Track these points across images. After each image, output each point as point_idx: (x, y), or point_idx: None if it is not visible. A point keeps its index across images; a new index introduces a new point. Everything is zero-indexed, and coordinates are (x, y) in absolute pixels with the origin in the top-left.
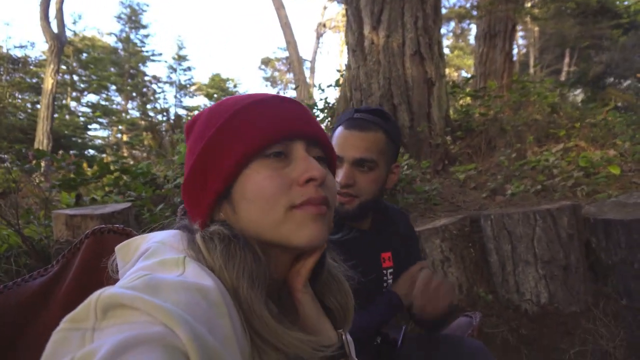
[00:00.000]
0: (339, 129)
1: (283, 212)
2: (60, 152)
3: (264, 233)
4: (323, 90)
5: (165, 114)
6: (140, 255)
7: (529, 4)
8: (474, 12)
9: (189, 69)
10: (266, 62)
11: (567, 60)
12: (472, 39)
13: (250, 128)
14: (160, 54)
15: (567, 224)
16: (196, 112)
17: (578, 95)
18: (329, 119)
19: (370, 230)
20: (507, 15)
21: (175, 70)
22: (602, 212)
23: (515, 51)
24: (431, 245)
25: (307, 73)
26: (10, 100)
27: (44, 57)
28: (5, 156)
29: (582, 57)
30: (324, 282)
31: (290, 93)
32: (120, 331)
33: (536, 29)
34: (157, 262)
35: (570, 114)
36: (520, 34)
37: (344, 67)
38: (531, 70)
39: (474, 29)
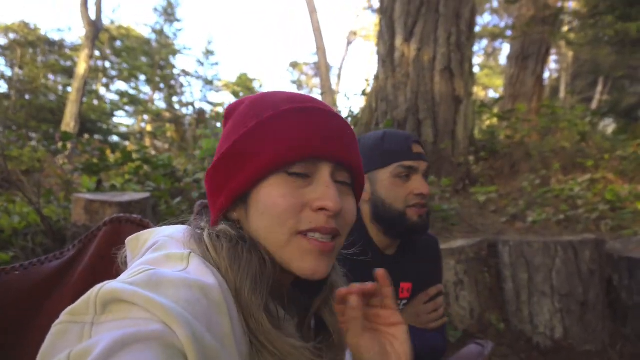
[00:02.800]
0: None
1: (288, 235)
2: (86, 136)
3: (269, 248)
4: (348, 98)
5: (190, 107)
6: (148, 248)
7: (565, 28)
8: (508, 32)
9: (216, 64)
10: (294, 65)
11: (599, 88)
12: (502, 59)
13: (279, 140)
14: (190, 48)
15: (590, 259)
16: (233, 101)
17: (609, 125)
18: (352, 127)
19: (394, 256)
20: (542, 37)
21: (203, 64)
22: (627, 250)
23: (546, 75)
24: (445, 267)
25: (333, 80)
26: (43, 81)
27: (79, 42)
28: (33, 135)
29: (616, 86)
30: (324, 299)
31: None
32: (118, 327)
33: (570, 54)
34: (163, 255)
35: (599, 144)
36: (553, 57)
37: (371, 77)
38: (561, 96)
39: (505, 48)
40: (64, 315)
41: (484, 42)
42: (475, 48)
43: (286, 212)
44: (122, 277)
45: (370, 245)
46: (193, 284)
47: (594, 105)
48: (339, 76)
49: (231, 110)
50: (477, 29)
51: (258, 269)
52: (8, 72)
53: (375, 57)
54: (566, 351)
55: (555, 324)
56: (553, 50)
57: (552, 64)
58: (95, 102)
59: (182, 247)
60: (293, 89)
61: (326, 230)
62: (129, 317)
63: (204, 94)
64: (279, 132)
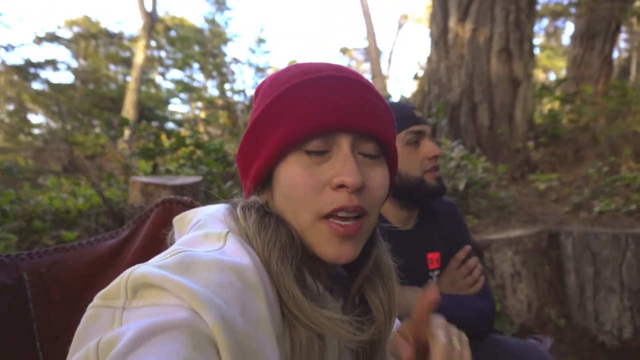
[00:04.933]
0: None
1: (311, 221)
2: (144, 122)
3: (295, 230)
4: (400, 83)
5: (241, 94)
6: (192, 226)
7: (638, 3)
8: (572, 10)
9: (267, 52)
10: (344, 50)
11: None
12: (565, 39)
13: (292, 115)
14: (241, 36)
15: None
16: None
17: None
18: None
19: (414, 230)
20: (611, 14)
21: (254, 52)
22: None
23: (615, 55)
24: (502, 257)
25: (384, 64)
26: (105, 71)
27: (137, 33)
28: (96, 122)
29: None
30: (367, 276)
31: None
32: (146, 315)
33: None
34: (202, 234)
35: None
36: (622, 36)
37: (423, 61)
38: (632, 77)
39: (568, 28)
40: (97, 299)
41: (545, 22)
42: (535, 28)
43: (306, 194)
44: (156, 259)
45: (386, 224)
46: (226, 266)
47: None
48: (389, 61)
49: (257, 91)
50: (538, 7)
51: (286, 240)
52: (74, 64)
53: (428, 40)
54: (636, 352)
55: (624, 323)
56: (623, 28)
57: (622, 42)
58: (153, 90)
59: (222, 225)
60: None
61: (349, 208)
62: (158, 304)
63: (255, 81)
64: (291, 106)
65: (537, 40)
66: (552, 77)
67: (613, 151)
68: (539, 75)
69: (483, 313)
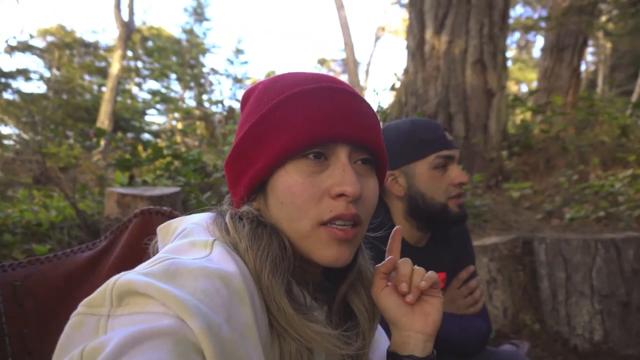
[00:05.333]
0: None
1: (310, 227)
2: (119, 133)
3: (291, 237)
4: (377, 94)
5: (219, 105)
6: (177, 235)
7: (604, 18)
8: (543, 24)
9: (245, 63)
10: (322, 62)
11: None
12: (536, 52)
13: (290, 125)
14: (220, 47)
15: (633, 257)
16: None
17: None
18: (381, 123)
19: (425, 248)
20: (579, 28)
21: (232, 63)
22: None
23: (583, 67)
24: (478, 264)
25: (361, 76)
26: (79, 81)
27: (113, 43)
28: (70, 133)
29: None
30: (351, 284)
31: None
32: (132, 323)
33: (608, 45)
34: (188, 242)
35: None
36: (590, 49)
37: (400, 72)
38: (599, 89)
39: (539, 41)
40: (81, 307)
41: (517, 35)
42: (508, 41)
43: (305, 202)
44: (142, 266)
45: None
46: (213, 273)
47: (634, 98)
48: (367, 72)
49: (247, 96)
50: (510, 21)
51: (278, 253)
52: (46, 74)
53: (404, 52)
54: (606, 355)
55: (595, 326)
56: (590, 42)
57: (589, 56)
58: (129, 101)
59: (208, 233)
60: None
61: (347, 217)
62: (144, 311)
63: (234, 92)
64: (291, 116)
65: (510, 53)
66: (524, 88)
67: (582, 160)
68: (512, 87)
69: (480, 334)
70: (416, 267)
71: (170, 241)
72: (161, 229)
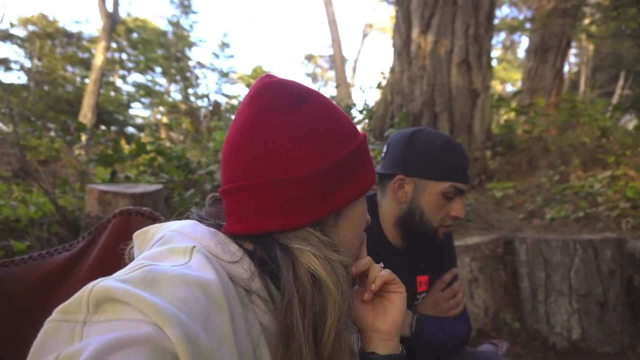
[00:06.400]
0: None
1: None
2: (102, 127)
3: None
4: (364, 91)
5: (205, 99)
6: (155, 242)
7: (587, 21)
8: (528, 25)
9: (231, 57)
10: (309, 57)
11: (621, 83)
12: (521, 53)
13: (370, 163)
14: (206, 41)
15: (610, 258)
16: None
17: (630, 121)
18: (367, 120)
19: (408, 251)
20: (562, 30)
21: (218, 57)
22: None
23: (566, 69)
24: (460, 264)
25: (349, 72)
26: (61, 72)
27: (97, 34)
28: (51, 126)
29: (637, 81)
30: None
31: (331, 91)
32: (109, 330)
33: (591, 47)
34: (167, 249)
35: (621, 140)
36: (573, 51)
37: (386, 70)
38: (581, 90)
39: (524, 42)
40: (56, 313)
41: (502, 35)
42: (493, 41)
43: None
44: (120, 273)
45: (382, 240)
46: (191, 281)
47: (614, 100)
48: (354, 69)
49: (285, 99)
50: (495, 21)
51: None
52: (27, 64)
53: (391, 50)
54: (583, 352)
55: (573, 325)
56: (573, 44)
57: (572, 57)
58: (112, 93)
59: (189, 240)
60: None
61: None
62: (121, 318)
63: (219, 86)
64: (365, 158)
65: (495, 53)
66: (509, 88)
67: (563, 160)
68: (496, 87)
69: (460, 336)
70: (374, 265)
71: (147, 248)
72: (138, 235)
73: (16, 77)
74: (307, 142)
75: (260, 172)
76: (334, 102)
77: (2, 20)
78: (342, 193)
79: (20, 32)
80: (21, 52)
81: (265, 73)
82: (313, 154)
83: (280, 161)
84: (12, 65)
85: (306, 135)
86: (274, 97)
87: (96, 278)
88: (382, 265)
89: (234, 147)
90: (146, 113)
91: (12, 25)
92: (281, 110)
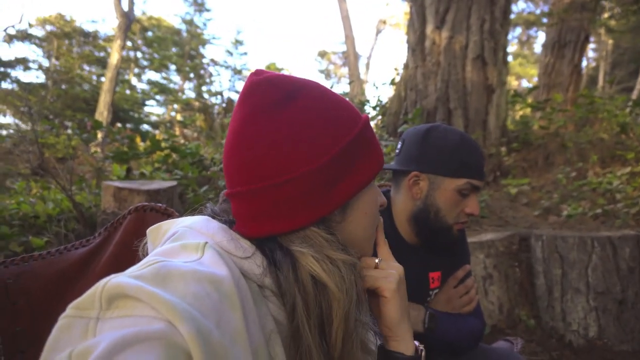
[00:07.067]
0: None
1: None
2: (118, 124)
3: (358, 242)
4: (377, 88)
5: (218, 97)
6: (168, 238)
7: (606, 15)
8: (544, 20)
9: (245, 54)
10: (322, 54)
11: None
12: (537, 48)
13: (375, 147)
14: (219, 38)
15: (629, 255)
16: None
17: None
18: (380, 117)
19: (422, 247)
20: (580, 24)
21: (232, 54)
22: None
23: (584, 64)
24: (474, 260)
25: (362, 69)
26: (78, 71)
27: (112, 33)
28: (68, 124)
29: None
30: None
31: (344, 87)
32: (121, 326)
33: (610, 41)
34: (180, 245)
35: None
36: (591, 46)
37: (400, 66)
38: (599, 86)
39: (541, 37)
40: (70, 309)
41: (518, 30)
42: (509, 36)
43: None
44: (132, 269)
45: (395, 236)
46: (203, 277)
47: (634, 95)
48: (367, 65)
49: (284, 94)
50: (512, 16)
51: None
52: (45, 63)
53: (405, 46)
54: (600, 350)
55: (590, 322)
56: (591, 38)
57: (590, 52)
58: (128, 91)
59: (201, 236)
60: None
61: None
62: (133, 315)
63: (233, 83)
64: (371, 143)
65: (511, 49)
66: (525, 84)
67: (580, 157)
68: (512, 83)
69: (475, 333)
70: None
71: (160, 244)
72: (151, 231)
73: (35, 77)
74: (301, 141)
75: (256, 177)
76: (332, 90)
77: (21, 20)
78: (345, 186)
79: (38, 32)
80: (39, 51)
81: (277, 70)
82: (308, 152)
83: (275, 164)
84: (31, 65)
85: (299, 133)
86: (262, 98)
87: (112, 273)
88: (377, 260)
89: (230, 152)
90: (160, 110)
91: (30, 25)
92: (271, 110)
